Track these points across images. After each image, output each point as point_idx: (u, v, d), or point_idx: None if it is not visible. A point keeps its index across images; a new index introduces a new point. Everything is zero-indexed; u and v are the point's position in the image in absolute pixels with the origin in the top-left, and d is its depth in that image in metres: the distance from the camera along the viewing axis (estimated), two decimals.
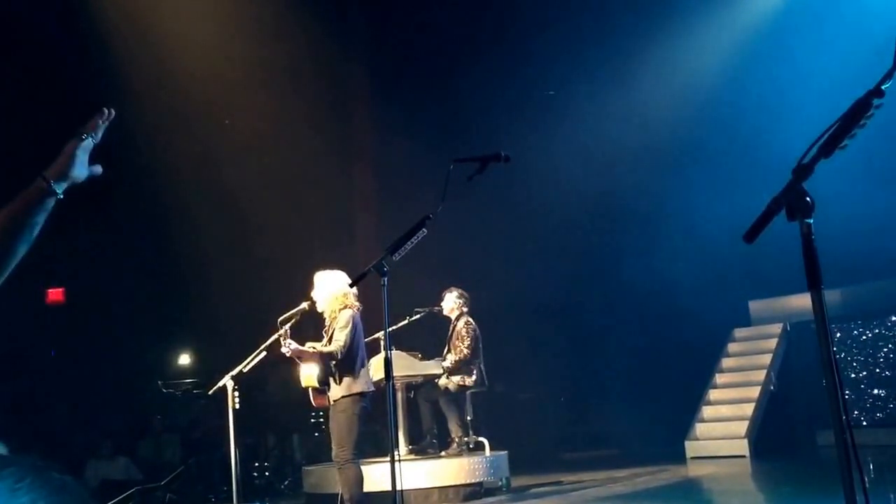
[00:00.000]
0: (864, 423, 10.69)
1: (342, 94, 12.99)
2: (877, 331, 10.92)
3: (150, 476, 9.92)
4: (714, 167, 11.76)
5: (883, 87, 2.09)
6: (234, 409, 5.91)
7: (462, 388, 8.09)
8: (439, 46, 12.37)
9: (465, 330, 8.12)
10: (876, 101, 2.06)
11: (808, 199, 2.06)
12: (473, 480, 7.64)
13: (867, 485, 2.12)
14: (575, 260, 12.66)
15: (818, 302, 2.04)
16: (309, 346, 5.78)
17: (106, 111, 2.00)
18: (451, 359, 8.08)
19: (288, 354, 5.68)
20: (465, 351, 8.04)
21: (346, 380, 5.71)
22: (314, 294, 5.86)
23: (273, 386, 11.01)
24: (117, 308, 11.89)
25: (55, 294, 12.24)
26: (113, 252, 11.93)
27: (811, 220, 2.06)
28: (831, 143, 2.07)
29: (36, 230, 1.85)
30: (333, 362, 5.71)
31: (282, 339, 5.60)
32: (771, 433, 10.48)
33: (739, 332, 12.18)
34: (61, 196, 1.90)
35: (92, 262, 11.85)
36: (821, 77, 10.26)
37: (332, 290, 5.82)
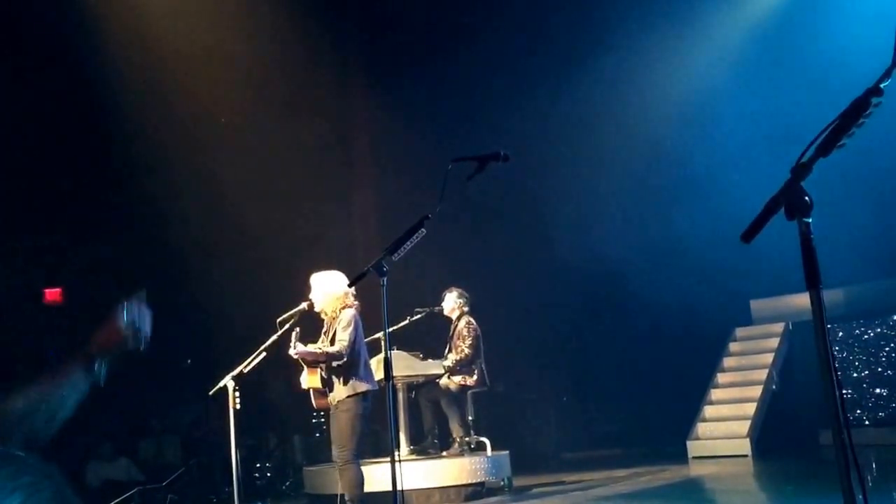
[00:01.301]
0: (867, 423, 10.67)
1: (342, 92, 12.97)
2: (879, 330, 10.90)
3: (152, 477, 9.92)
4: (717, 166, 11.75)
5: (882, 86, 2.08)
6: (234, 410, 5.91)
7: (463, 387, 8.08)
8: (440, 45, 12.37)
9: (466, 329, 8.12)
10: (874, 100, 2.05)
11: (806, 198, 2.05)
12: (475, 480, 7.63)
13: (868, 484, 2.12)
14: (576, 260, 12.64)
15: (816, 301, 2.03)
16: (315, 348, 5.77)
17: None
18: (452, 358, 8.07)
19: (296, 357, 5.68)
20: (467, 350, 8.03)
21: (349, 380, 5.70)
22: (312, 295, 5.85)
23: (274, 386, 11.01)
24: (116, 308, 11.86)
25: (53, 294, 12.22)
26: (111, 251, 11.92)
27: (810, 220, 2.05)
28: (830, 141, 2.06)
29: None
30: (337, 363, 5.70)
31: (291, 342, 5.60)
32: (773, 433, 10.46)
33: (741, 332, 12.16)
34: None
35: (90, 262, 11.85)
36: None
37: (330, 290, 5.81)
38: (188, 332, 12.00)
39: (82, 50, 10.67)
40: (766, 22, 11.43)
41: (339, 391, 5.72)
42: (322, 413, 8.99)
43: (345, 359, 5.67)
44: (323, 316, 5.91)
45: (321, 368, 5.77)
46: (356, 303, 5.88)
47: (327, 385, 5.78)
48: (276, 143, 11.86)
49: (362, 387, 5.69)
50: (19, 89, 10.44)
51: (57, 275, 11.96)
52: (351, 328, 5.68)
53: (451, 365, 8.03)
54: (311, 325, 6.01)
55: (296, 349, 5.61)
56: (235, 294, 11.49)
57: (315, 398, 5.91)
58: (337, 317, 5.80)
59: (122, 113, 11.13)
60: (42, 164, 11.38)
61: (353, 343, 5.71)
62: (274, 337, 5.72)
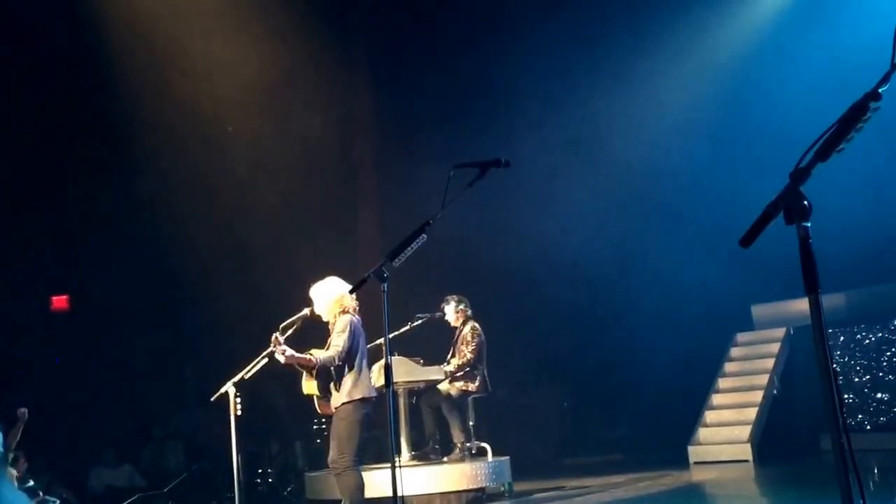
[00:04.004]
0: (868, 428, 10.65)
1: (343, 96, 13.00)
2: (880, 334, 10.88)
3: (154, 483, 9.93)
4: (717, 166, 11.77)
5: (880, 91, 2.09)
6: (236, 416, 5.89)
7: (464, 393, 8.08)
8: (441, 49, 12.40)
9: (471, 335, 8.10)
10: (873, 105, 2.06)
11: (805, 202, 2.06)
12: (475, 486, 7.62)
13: (870, 489, 2.12)
14: (578, 263, 12.65)
15: (815, 305, 2.04)
16: (307, 354, 5.70)
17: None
18: (454, 363, 8.07)
19: (282, 361, 5.57)
20: (469, 355, 8.02)
21: (346, 386, 5.65)
22: (315, 307, 5.81)
23: (275, 392, 11.02)
24: (122, 315, 11.90)
25: (60, 301, 12.26)
26: (117, 259, 11.95)
27: (809, 224, 2.06)
28: (828, 146, 2.07)
29: None
30: (333, 367, 5.65)
31: (274, 345, 5.46)
32: (774, 437, 10.45)
33: (742, 337, 12.15)
34: None
35: (96, 270, 11.87)
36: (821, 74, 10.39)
37: (330, 296, 5.79)
38: (189, 339, 12.05)
39: (88, 56, 10.72)
40: (754, 41, 11.54)
41: (336, 397, 5.69)
42: (323, 419, 8.99)
43: (336, 363, 5.60)
44: (327, 323, 5.88)
45: (317, 374, 5.74)
46: (355, 304, 5.82)
47: (325, 392, 5.74)
48: (278, 150, 11.89)
49: (358, 393, 5.63)
50: (26, 97, 10.48)
51: (64, 282, 11.99)
52: (346, 334, 5.60)
53: (452, 370, 8.02)
54: (314, 332, 5.99)
55: (283, 353, 5.47)
56: (237, 300, 11.51)
57: (319, 405, 5.86)
58: (335, 321, 5.76)
59: (127, 123, 11.17)
60: (51, 173, 11.43)
61: (350, 349, 5.64)
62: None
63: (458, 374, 8.04)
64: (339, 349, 5.56)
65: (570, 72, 12.19)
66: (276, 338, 5.47)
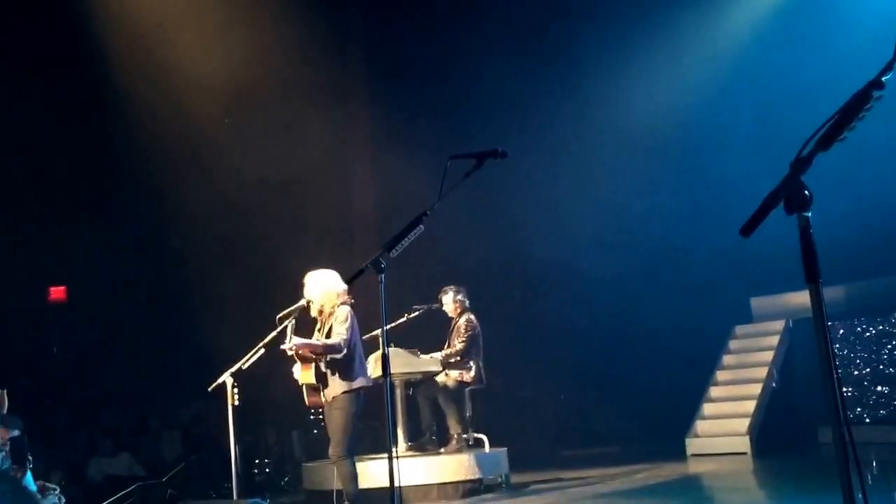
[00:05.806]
0: (868, 421, 10.64)
1: (342, 87, 12.95)
2: (881, 327, 10.85)
3: (152, 472, 9.93)
4: (716, 164, 11.73)
5: (883, 79, 2.06)
6: (233, 406, 5.89)
7: (461, 384, 8.07)
8: (439, 42, 12.35)
9: (464, 326, 8.11)
10: (876, 93, 2.03)
11: (806, 192, 2.03)
12: (473, 477, 7.63)
13: (869, 482, 2.10)
14: (574, 257, 12.62)
15: (816, 295, 2.01)
16: (313, 340, 5.76)
17: None
18: (444, 352, 8.06)
19: (290, 352, 5.63)
20: (458, 346, 8.03)
21: (345, 376, 5.69)
22: (308, 293, 5.83)
23: (272, 383, 11.01)
24: (119, 305, 11.88)
25: (57, 292, 12.24)
26: (115, 250, 11.93)
27: (809, 214, 2.03)
28: (830, 135, 2.04)
29: None
30: (333, 356, 5.67)
31: (286, 337, 5.57)
32: (772, 430, 10.44)
33: (741, 329, 12.12)
34: None
35: (94, 260, 11.86)
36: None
37: (328, 288, 5.81)
38: (187, 329, 12.03)
39: (90, 48, 10.67)
40: (757, 37, 11.50)
41: (334, 387, 5.70)
42: (320, 409, 8.97)
43: (343, 352, 5.65)
44: (315, 315, 5.88)
45: (316, 364, 5.75)
46: (351, 300, 5.88)
47: (321, 381, 5.75)
48: (278, 142, 11.85)
49: (357, 383, 5.69)
50: (27, 89, 10.44)
51: (62, 273, 11.98)
52: (348, 324, 5.69)
53: (441, 359, 8.02)
54: (308, 323, 6.00)
55: (291, 342, 5.57)
56: (235, 290, 11.49)
57: (308, 395, 5.88)
58: (333, 313, 5.79)
59: (127, 112, 11.12)
60: (48, 164, 11.39)
61: (350, 339, 5.70)
62: (273, 333, 5.71)
63: (453, 364, 8.04)
64: (344, 337, 5.64)
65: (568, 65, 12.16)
66: (292, 325, 5.59)
